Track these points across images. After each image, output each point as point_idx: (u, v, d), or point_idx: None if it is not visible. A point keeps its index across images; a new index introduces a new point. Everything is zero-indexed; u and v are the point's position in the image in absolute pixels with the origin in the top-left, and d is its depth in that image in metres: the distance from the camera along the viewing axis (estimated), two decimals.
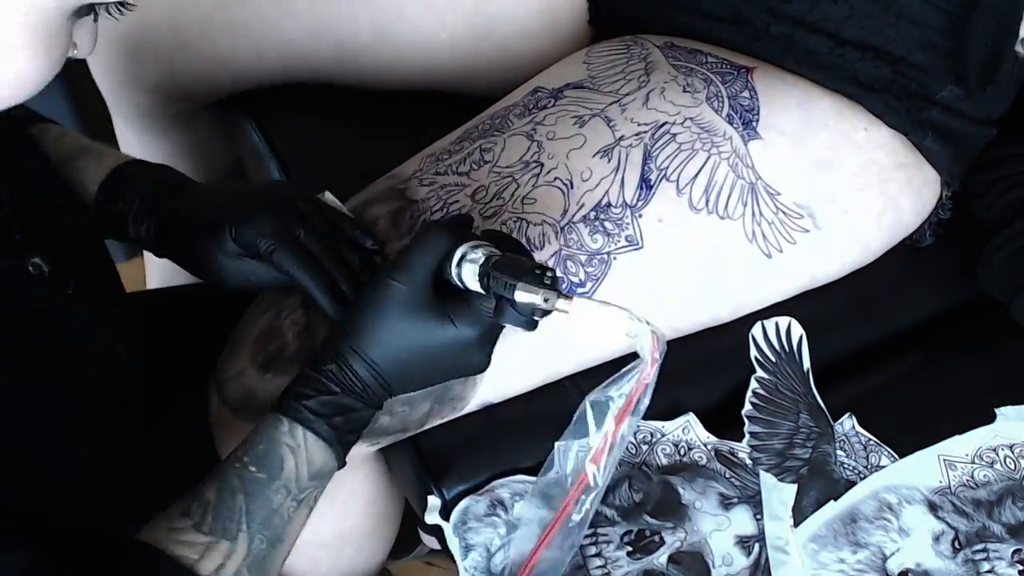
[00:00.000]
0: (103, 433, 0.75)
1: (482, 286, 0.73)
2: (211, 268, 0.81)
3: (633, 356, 0.74)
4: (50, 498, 0.69)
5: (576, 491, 0.79)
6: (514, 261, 0.72)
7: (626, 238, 0.88)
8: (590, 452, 0.77)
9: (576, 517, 0.80)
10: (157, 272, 1.39)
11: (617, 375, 0.76)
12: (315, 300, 0.79)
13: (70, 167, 0.85)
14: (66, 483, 0.71)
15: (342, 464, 0.76)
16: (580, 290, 0.86)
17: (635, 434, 0.92)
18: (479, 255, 0.73)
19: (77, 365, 0.73)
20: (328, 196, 0.89)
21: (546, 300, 0.70)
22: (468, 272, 0.73)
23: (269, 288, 0.85)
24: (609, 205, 0.88)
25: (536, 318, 0.73)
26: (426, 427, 0.88)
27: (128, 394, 0.78)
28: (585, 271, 0.87)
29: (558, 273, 0.81)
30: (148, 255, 1.39)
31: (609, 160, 0.89)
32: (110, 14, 0.62)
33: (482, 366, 0.77)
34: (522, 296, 0.70)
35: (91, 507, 0.73)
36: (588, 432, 0.77)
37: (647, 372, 0.74)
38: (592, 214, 0.87)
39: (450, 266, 0.73)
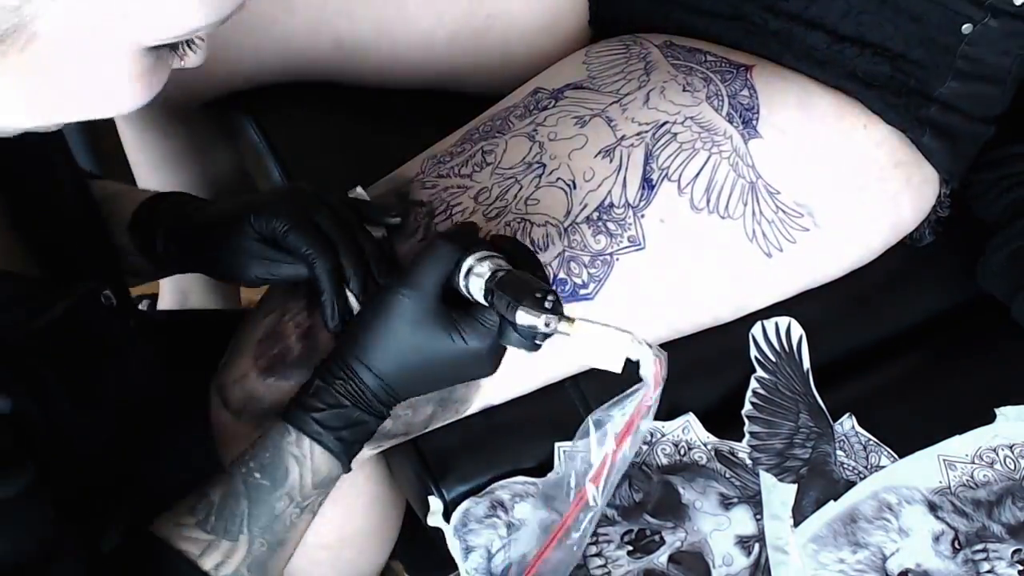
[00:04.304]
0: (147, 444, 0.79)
1: (487, 301, 0.72)
2: (231, 261, 0.81)
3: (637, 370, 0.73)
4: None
5: (575, 508, 0.79)
6: (517, 281, 0.70)
7: (628, 239, 0.88)
8: (591, 471, 0.77)
9: (575, 535, 0.80)
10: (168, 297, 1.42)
11: (621, 396, 0.76)
12: (319, 284, 0.79)
13: (108, 207, 0.87)
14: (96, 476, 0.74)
15: (348, 470, 0.76)
16: (583, 291, 0.86)
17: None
18: (485, 269, 0.72)
19: (139, 389, 0.77)
20: (359, 190, 0.89)
21: (547, 324, 0.69)
22: (475, 285, 0.72)
23: (288, 280, 0.84)
24: (612, 205, 0.88)
25: (538, 341, 0.72)
26: (428, 429, 0.88)
27: (160, 410, 0.82)
28: (588, 272, 0.87)
29: (560, 294, 0.81)
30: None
31: (611, 160, 0.89)
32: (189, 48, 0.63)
33: (489, 375, 0.77)
34: (523, 319, 0.69)
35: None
36: (590, 448, 0.77)
37: (649, 395, 0.73)
38: (595, 214, 0.87)
39: (458, 277, 0.72)
